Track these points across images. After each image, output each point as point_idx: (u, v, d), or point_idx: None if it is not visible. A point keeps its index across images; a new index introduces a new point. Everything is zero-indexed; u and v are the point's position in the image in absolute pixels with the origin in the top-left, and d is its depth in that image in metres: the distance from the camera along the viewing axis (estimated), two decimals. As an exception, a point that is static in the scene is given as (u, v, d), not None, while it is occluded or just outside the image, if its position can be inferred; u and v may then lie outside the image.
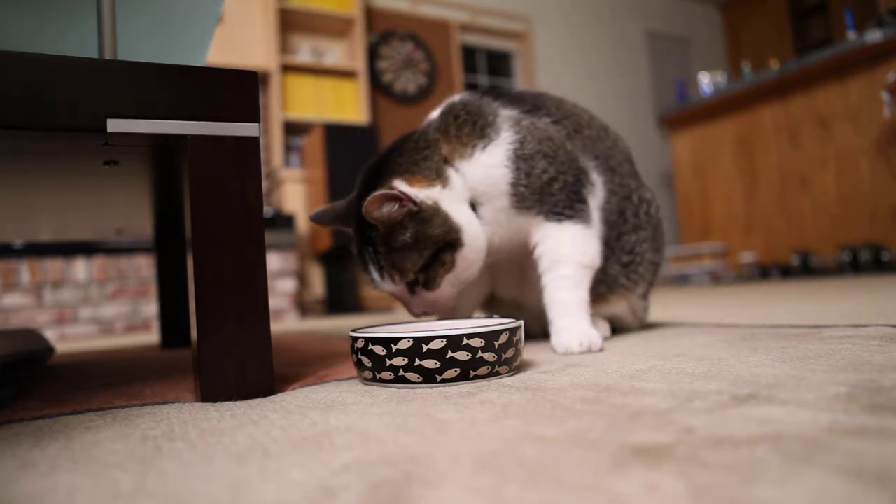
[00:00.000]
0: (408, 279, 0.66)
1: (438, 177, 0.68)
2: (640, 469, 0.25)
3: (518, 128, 0.71)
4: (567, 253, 0.70)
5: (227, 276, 0.49)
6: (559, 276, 0.70)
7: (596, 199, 0.75)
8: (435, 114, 0.76)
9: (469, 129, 0.71)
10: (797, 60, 3.48)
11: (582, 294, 0.70)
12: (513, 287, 0.82)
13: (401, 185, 0.66)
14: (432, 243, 0.65)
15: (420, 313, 0.69)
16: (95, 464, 0.31)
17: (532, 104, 0.77)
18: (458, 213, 0.68)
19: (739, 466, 0.24)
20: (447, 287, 0.68)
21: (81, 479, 0.29)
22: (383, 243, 0.65)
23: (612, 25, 4.75)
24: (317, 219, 0.72)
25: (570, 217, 0.71)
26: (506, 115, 0.73)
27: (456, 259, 0.67)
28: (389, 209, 0.63)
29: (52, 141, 0.48)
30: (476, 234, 0.69)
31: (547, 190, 0.70)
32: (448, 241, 0.66)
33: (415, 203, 0.64)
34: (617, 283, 0.79)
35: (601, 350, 0.66)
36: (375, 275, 0.67)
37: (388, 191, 0.62)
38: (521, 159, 0.70)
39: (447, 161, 0.70)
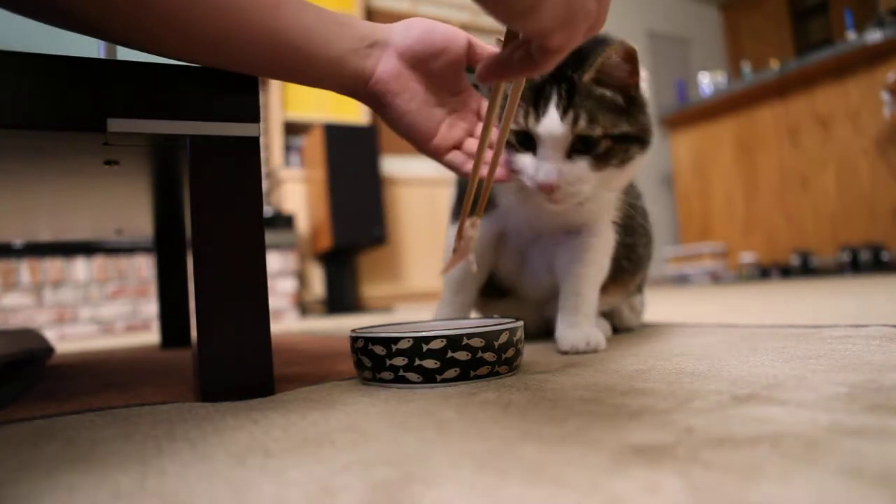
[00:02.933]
0: (593, 133, 0.58)
1: None
2: (640, 469, 0.25)
3: None
4: (600, 255, 0.72)
5: (227, 276, 0.49)
6: (586, 274, 0.71)
7: None
8: None
9: None
10: (797, 60, 3.48)
11: (597, 295, 0.71)
12: (514, 268, 0.80)
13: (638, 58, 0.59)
14: (637, 125, 0.59)
15: (551, 183, 0.59)
16: (96, 464, 0.31)
17: None
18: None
19: (739, 466, 0.24)
20: (596, 184, 0.60)
21: (81, 479, 0.29)
22: (586, 87, 0.58)
23: (612, 25, 4.73)
24: None
25: (613, 222, 0.74)
26: None
27: (635, 160, 0.61)
28: (626, 67, 0.57)
29: (52, 141, 0.48)
30: (651, 152, 0.64)
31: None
32: (644, 137, 0.61)
33: (637, 85, 0.59)
34: (620, 268, 0.78)
35: (604, 350, 0.66)
36: (553, 110, 0.58)
37: (635, 51, 0.56)
38: None
39: None
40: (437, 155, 0.57)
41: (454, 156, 0.57)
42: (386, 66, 0.53)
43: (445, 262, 0.58)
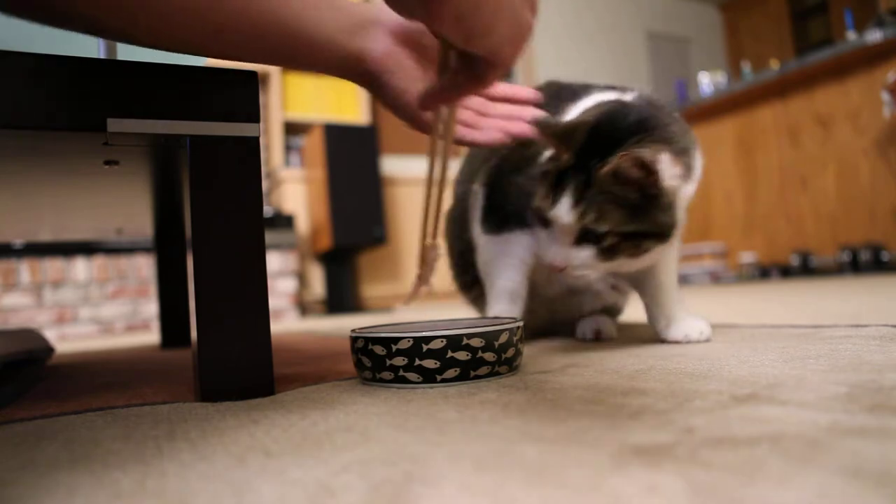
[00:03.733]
0: (599, 230, 0.59)
1: (689, 173, 0.63)
2: (640, 469, 0.25)
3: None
4: (675, 255, 0.74)
5: (227, 276, 0.49)
6: (669, 277, 0.72)
7: None
8: (638, 107, 0.64)
9: (690, 136, 0.66)
10: (797, 60, 3.48)
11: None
12: (539, 268, 0.78)
13: (664, 162, 0.58)
14: (651, 224, 0.59)
15: (557, 262, 0.61)
16: (96, 464, 0.31)
17: None
18: (682, 210, 0.63)
19: (739, 466, 0.24)
20: (606, 268, 0.62)
21: (81, 479, 0.29)
22: (602, 181, 0.58)
23: (612, 25, 4.75)
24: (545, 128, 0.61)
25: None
26: None
27: (651, 251, 0.61)
28: (637, 174, 0.57)
29: (52, 141, 0.48)
30: (677, 238, 0.64)
31: None
32: (663, 233, 0.60)
33: (657, 187, 0.58)
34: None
35: (706, 340, 0.68)
36: (566, 200, 0.59)
37: (650, 161, 0.56)
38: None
39: None
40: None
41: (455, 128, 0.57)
42: (379, 45, 0.53)
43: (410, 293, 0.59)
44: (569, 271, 0.62)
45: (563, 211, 0.59)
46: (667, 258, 0.71)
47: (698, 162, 0.65)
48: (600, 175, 0.58)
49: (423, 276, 0.56)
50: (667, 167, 0.58)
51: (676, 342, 0.68)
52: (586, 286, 0.78)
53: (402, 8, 0.37)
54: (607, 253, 0.60)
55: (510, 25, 0.37)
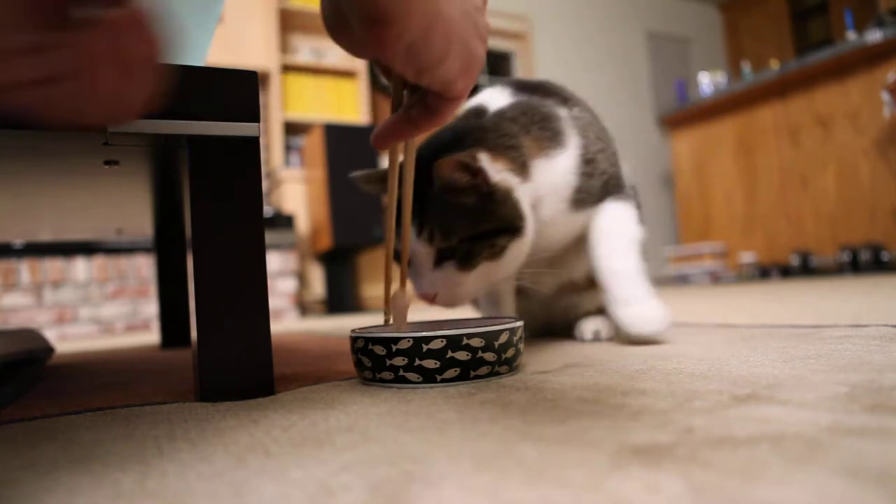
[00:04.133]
0: (449, 243, 0.59)
1: (522, 169, 0.63)
2: (640, 469, 0.25)
3: (580, 129, 0.70)
4: (616, 223, 0.72)
5: (227, 276, 0.49)
6: (611, 250, 0.71)
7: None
8: (499, 102, 0.70)
9: (545, 133, 0.67)
10: (797, 60, 3.48)
11: (638, 261, 0.72)
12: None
13: (484, 160, 0.59)
14: (496, 220, 0.60)
15: (428, 293, 0.61)
16: (96, 464, 0.31)
17: (562, 96, 0.75)
18: (526, 206, 0.63)
19: (739, 466, 0.24)
20: (475, 281, 0.62)
21: (81, 479, 0.29)
22: (438, 199, 0.59)
23: (612, 25, 4.75)
24: (360, 180, 0.65)
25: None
26: (564, 115, 0.71)
27: (508, 248, 0.61)
28: (465, 178, 0.58)
29: (53, 141, 0.48)
30: (531, 233, 0.64)
31: (604, 189, 0.71)
32: (511, 226, 0.61)
33: (488, 184, 0.59)
34: None
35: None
36: (411, 230, 0.60)
37: (468, 160, 0.57)
38: (587, 163, 0.68)
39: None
40: None
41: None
42: None
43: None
44: (441, 297, 0.61)
45: (413, 241, 0.60)
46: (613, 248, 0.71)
47: (547, 164, 0.66)
48: (435, 192, 0.58)
49: (396, 325, 0.55)
50: (487, 164, 0.59)
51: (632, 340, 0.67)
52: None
53: (349, 43, 0.35)
54: (466, 262, 0.60)
55: (461, 57, 0.37)
